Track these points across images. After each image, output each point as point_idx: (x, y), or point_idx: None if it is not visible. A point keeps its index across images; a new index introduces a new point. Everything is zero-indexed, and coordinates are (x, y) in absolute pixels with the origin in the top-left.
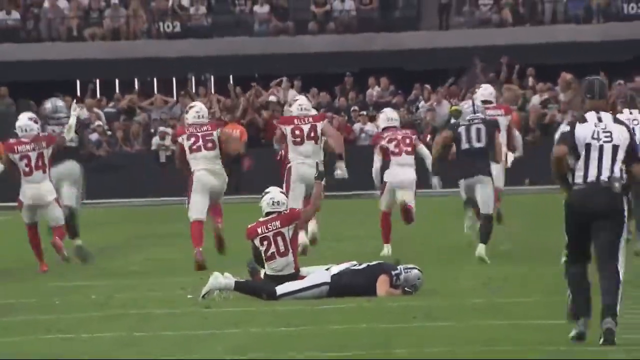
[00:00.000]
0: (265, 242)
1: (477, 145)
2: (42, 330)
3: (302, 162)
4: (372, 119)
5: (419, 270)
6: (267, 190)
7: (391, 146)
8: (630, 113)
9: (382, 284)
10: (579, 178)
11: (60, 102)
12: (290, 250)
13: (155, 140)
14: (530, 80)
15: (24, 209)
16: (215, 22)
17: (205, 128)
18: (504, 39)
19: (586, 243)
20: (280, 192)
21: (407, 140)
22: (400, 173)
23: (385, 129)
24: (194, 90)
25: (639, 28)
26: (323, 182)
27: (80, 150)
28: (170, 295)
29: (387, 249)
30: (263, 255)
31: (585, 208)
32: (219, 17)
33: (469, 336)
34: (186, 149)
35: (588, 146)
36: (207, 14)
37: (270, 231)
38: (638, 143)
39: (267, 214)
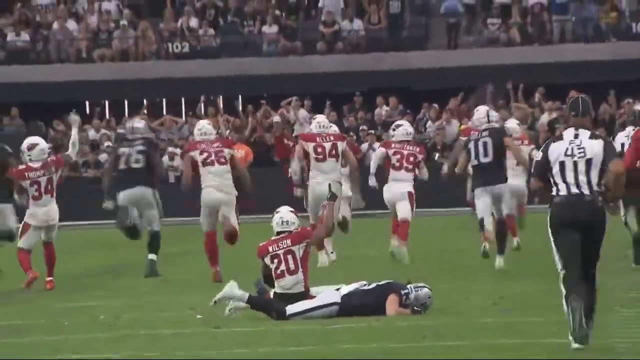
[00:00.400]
0: (276, 260)
1: (484, 160)
2: (50, 351)
3: (322, 180)
4: (380, 138)
5: (428, 289)
6: (277, 210)
7: (394, 159)
8: (634, 129)
9: (391, 303)
10: (562, 190)
11: (138, 124)
12: (300, 269)
13: (164, 160)
14: (537, 97)
15: (30, 230)
16: (224, 42)
17: (216, 145)
18: (512, 58)
19: (575, 250)
20: (290, 211)
21: (411, 158)
22: (395, 187)
23: (395, 140)
24: (202, 111)
25: None
26: (336, 204)
27: (149, 171)
28: (179, 316)
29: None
30: (273, 273)
31: (569, 217)
32: (228, 37)
33: (480, 355)
34: (199, 162)
35: (562, 164)
36: (215, 34)
37: (281, 249)
38: None
39: (278, 233)
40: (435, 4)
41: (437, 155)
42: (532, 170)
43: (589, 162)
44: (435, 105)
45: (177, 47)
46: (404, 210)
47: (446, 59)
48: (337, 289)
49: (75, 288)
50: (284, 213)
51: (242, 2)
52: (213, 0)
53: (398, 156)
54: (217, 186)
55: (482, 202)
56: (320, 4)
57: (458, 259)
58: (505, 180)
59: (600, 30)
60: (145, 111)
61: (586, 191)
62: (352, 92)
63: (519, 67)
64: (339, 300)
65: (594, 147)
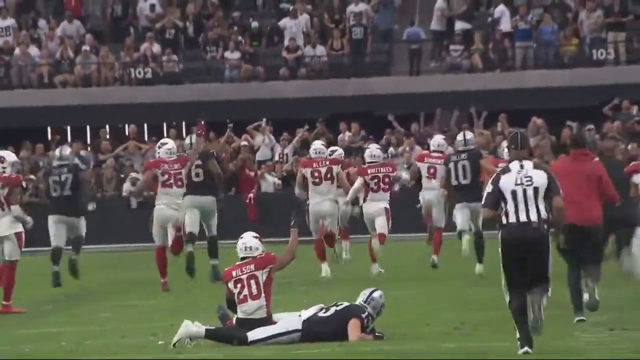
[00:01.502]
0: (239, 285)
1: (463, 182)
2: None
3: (320, 201)
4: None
5: (378, 290)
6: (242, 235)
7: (372, 183)
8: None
9: (353, 329)
10: (510, 219)
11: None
12: (263, 294)
13: (127, 186)
14: (499, 126)
15: None
16: (187, 68)
17: (176, 166)
18: (474, 84)
19: (522, 274)
20: (254, 237)
21: (386, 179)
22: (374, 205)
23: (369, 165)
24: (166, 135)
25: (607, 73)
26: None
27: (210, 182)
28: (141, 342)
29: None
30: (236, 297)
31: (518, 243)
32: (190, 63)
33: None
34: (159, 182)
35: (514, 192)
36: (177, 60)
37: (245, 274)
38: None
39: (242, 258)
40: (398, 30)
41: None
42: (484, 201)
43: (536, 190)
44: (401, 129)
45: (139, 72)
46: (381, 225)
47: (408, 85)
48: (299, 315)
49: (37, 314)
50: (248, 239)
51: (205, 28)
52: (175, 25)
53: (375, 179)
54: (169, 204)
55: (462, 215)
56: (283, 29)
57: (420, 282)
58: (481, 198)
59: (561, 57)
60: (108, 136)
61: (534, 218)
62: (315, 117)
63: (481, 93)
64: (300, 327)
65: (540, 178)
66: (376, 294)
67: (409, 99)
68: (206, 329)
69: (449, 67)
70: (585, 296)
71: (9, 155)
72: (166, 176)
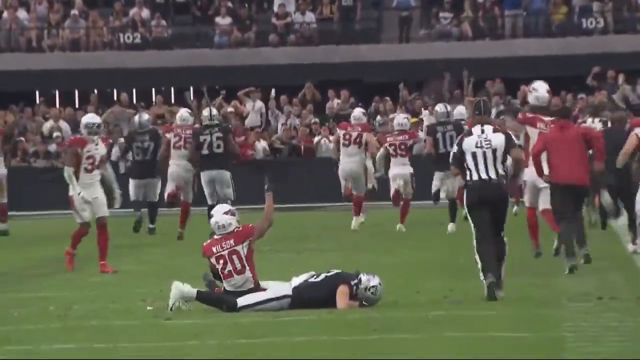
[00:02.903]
0: (221, 261)
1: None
2: (0, 342)
3: (348, 161)
4: (332, 131)
5: (379, 278)
6: (212, 212)
7: (390, 150)
8: (592, 122)
9: (341, 295)
10: (473, 177)
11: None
12: (247, 267)
13: (115, 150)
14: (492, 91)
15: None
16: (176, 33)
17: (189, 132)
18: (464, 52)
19: (487, 223)
20: (225, 213)
21: (402, 146)
22: (397, 170)
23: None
24: (153, 100)
25: (597, 42)
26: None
27: (226, 155)
28: (130, 307)
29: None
30: (220, 273)
31: (481, 198)
32: (179, 28)
33: (429, 348)
34: (172, 144)
35: (474, 154)
36: (167, 25)
37: (225, 250)
38: None
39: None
40: None
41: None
42: (451, 160)
43: (494, 152)
44: (387, 98)
45: (128, 37)
46: (407, 191)
47: (398, 52)
48: (290, 284)
49: (25, 279)
50: (219, 217)
51: None
52: None
53: (393, 147)
54: (180, 164)
55: (440, 179)
56: None
57: (411, 252)
58: None
59: (551, 25)
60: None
61: (493, 175)
62: (303, 84)
63: (471, 61)
64: (290, 293)
65: (498, 139)
66: (375, 279)
67: (398, 67)
68: (198, 291)
69: (439, 35)
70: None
71: (84, 117)
72: (177, 138)
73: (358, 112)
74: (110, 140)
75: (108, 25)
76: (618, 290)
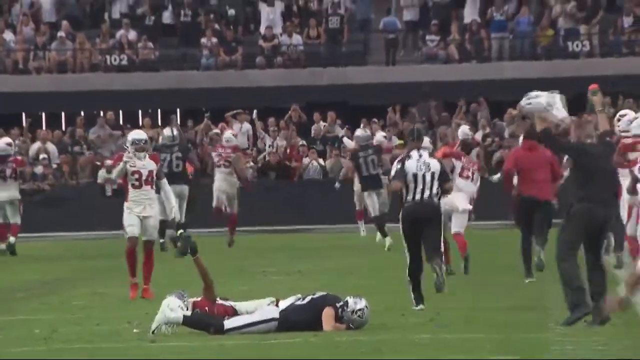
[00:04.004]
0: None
1: (373, 172)
2: None
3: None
4: (323, 152)
5: (366, 301)
6: (166, 303)
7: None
8: None
9: (327, 318)
10: (411, 197)
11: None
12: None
13: (101, 173)
14: (479, 115)
15: None
16: (162, 55)
17: (229, 150)
18: (450, 75)
19: (418, 241)
20: (177, 299)
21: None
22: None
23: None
24: (141, 122)
25: (582, 65)
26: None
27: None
28: (116, 330)
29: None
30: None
31: (417, 217)
32: (166, 50)
33: None
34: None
35: (415, 175)
36: (154, 47)
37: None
38: None
39: None
40: (375, 19)
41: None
42: (393, 176)
43: (433, 175)
44: (375, 119)
45: (115, 59)
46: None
47: (384, 75)
48: (269, 304)
49: (11, 301)
50: (171, 302)
51: (181, 16)
52: (155, 12)
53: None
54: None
55: (372, 200)
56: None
57: (395, 273)
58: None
59: (537, 48)
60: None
61: (429, 197)
62: (290, 106)
63: (457, 84)
64: (277, 316)
65: (435, 164)
66: (362, 302)
67: (384, 89)
68: (184, 316)
69: (425, 58)
70: (535, 259)
71: (131, 134)
72: (217, 157)
73: (379, 135)
74: (159, 157)
75: (95, 47)
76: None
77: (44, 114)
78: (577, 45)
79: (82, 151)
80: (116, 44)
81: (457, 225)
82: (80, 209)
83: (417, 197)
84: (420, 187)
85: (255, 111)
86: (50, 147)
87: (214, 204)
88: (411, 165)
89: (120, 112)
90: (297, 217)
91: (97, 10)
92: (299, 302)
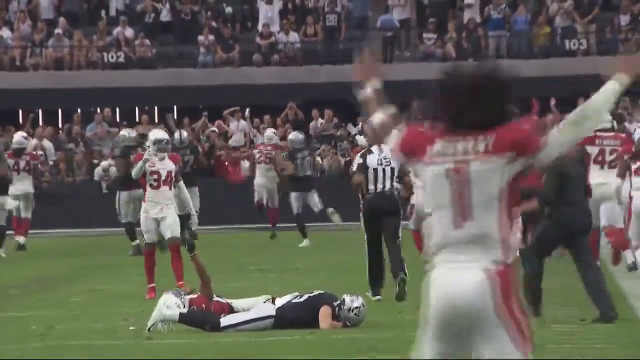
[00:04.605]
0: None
1: (307, 173)
2: None
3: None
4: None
5: (362, 299)
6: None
7: None
8: None
9: (324, 316)
10: (372, 189)
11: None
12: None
13: (98, 170)
14: None
15: None
16: (159, 52)
17: (269, 148)
18: None
19: (379, 232)
20: (173, 296)
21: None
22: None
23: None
24: (137, 119)
25: (580, 64)
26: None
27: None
28: (112, 326)
29: None
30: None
31: (377, 208)
32: (163, 48)
33: None
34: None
35: (375, 169)
36: (151, 45)
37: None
38: None
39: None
40: (372, 17)
41: None
42: (355, 170)
43: (392, 170)
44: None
45: (112, 57)
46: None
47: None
48: (265, 301)
49: (5, 298)
50: (168, 299)
51: (180, 13)
52: (155, 9)
53: None
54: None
55: (299, 199)
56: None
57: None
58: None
59: (533, 47)
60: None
61: (387, 188)
62: (287, 104)
63: None
64: (273, 313)
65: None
66: (359, 300)
67: (383, 87)
68: (180, 313)
69: (423, 56)
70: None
71: (152, 133)
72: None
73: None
74: (180, 157)
75: (92, 44)
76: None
77: (40, 111)
78: (574, 44)
79: (75, 151)
80: (113, 41)
81: (414, 224)
82: (76, 206)
83: (375, 189)
84: (380, 180)
85: (247, 109)
86: (47, 144)
87: (255, 198)
88: (372, 159)
89: (117, 109)
90: (292, 215)
91: (94, 7)
92: (296, 300)
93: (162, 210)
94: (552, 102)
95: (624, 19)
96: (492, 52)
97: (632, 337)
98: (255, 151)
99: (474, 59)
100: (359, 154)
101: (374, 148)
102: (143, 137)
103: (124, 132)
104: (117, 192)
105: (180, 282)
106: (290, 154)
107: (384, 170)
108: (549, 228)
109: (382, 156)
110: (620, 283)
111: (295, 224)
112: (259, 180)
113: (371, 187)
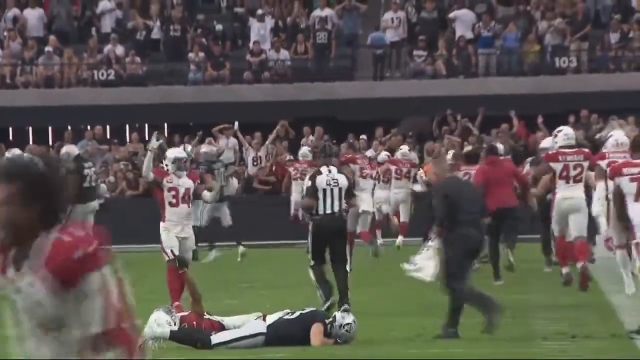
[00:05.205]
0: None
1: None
2: None
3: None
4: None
5: (353, 316)
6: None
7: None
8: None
9: (316, 333)
10: (321, 210)
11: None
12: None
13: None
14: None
15: None
16: (150, 70)
17: (305, 165)
18: (438, 90)
19: (324, 251)
20: (164, 313)
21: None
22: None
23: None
24: (128, 139)
25: (569, 81)
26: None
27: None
28: None
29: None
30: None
31: (326, 229)
32: (154, 65)
33: None
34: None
35: (324, 190)
36: (141, 62)
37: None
38: None
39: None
40: (362, 35)
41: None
42: (305, 193)
43: (340, 190)
44: (364, 136)
45: (102, 74)
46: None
47: (372, 90)
48: (256, 318)
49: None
50: (159, 317)
51: (170, 30)
52: (147, 27)
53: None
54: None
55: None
56: (249, 32)
57: (383, 288)
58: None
59: (523, 64)
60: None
61: (337, 210)
62: (277, 121)
63: (444, 99)
64: (264, 331)
65: (342, 179)
66: (350, 317)
67: (372, 104)
68: (170, 331)
69: (413, 73)
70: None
71: (171, 152)
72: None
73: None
74: (198, 175)
75: (82, 62)
76: (592, 328)
77: (31, 129)
78: (563, 62)
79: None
80: (104, 58)
81: (356, 224)
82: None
83: (324, 211)
84: (329, 201)
85: (236, 123)
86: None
87: (292, 213)
88: (321, 180)
89: (108, 126)
90: (283, 231)
91: (84, 25)
92: (287, 317)
93: (183, 230)
94: (512, 113)
95: (614, 37)
96: (482, 69)
97: (622, 353)
98: (291, 168)
99: (464, 76)
100: (308, 176)
101: (323, 168)
102: (78, 159)
103: (67, 149)
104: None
105: (178, 303)
106: (207, 166)
107: (332, 190)
108: (450, 253)
109: (330, 177)
110: (611, 298)
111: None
112: (295, 195)
113: (320, 208)
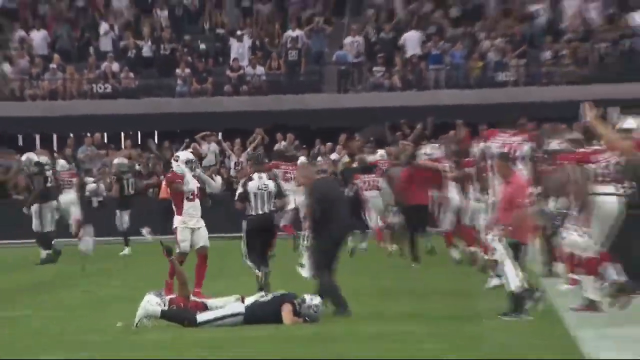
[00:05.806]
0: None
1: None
2: None
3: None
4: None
5: (320, 298)
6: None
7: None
8: None
9: (286, 312)
10: (252, 211)
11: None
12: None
13: (90, 187)
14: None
15: None
16: (142, 84)
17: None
18: (394, 101)
19: (258, 248)
20: (154, 296)
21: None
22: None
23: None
24: (123, 143)
25: (509, 93)
26: (172, 257)
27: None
28: (102, 325)
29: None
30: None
31: (257, 228)
32: (146, 80)
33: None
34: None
35: (256, 194)
36: (134, 77)
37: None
38: None
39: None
40: (328, 53)
41: None
42: (237, 197)
43: (270, 194)
44: (329, 143)
45: (100, 87)
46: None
47: (338, 101)
48: (236, 300)
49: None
50: (150, 299)
51: (160, 49)
52: (137, 46)
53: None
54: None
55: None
56: (229, 50)
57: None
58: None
59: (469, 78)
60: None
61: (267, 211)
62: (255, 129)
63: (400, 109)
64: (243, 311)
65: (271, 185)
66: (317, 299)
67: (338, 114)
68: (161, 310)
69: (373, 86)
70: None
71: (183, 154)
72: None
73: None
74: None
75: (83, 77)
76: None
77: (37, 136)
78: (504, 76)
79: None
80: (101, 74)
81: (284, 219)
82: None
83: (259, 212)
84: (260, 203)
85: (219, 134)
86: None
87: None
88: (253, 185)
89: (105, 134)
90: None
91: (83, 44)
92: (262, 299)
93: (198, 222)
94: (459, 121)
95: (547, 55)
96: (433, 83)
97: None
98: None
99: (417, 89)
100: (240, 182)
101: (255, 175)
102: (38, 164)
103: (28, 155)
104: (37, 205)
105: (197, 290)
106: (117, 175)
107: (262, 194)
108: (320, 245)
109: (261, 182)
110: (555, 300)
111: None
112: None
113: (252, 209)
